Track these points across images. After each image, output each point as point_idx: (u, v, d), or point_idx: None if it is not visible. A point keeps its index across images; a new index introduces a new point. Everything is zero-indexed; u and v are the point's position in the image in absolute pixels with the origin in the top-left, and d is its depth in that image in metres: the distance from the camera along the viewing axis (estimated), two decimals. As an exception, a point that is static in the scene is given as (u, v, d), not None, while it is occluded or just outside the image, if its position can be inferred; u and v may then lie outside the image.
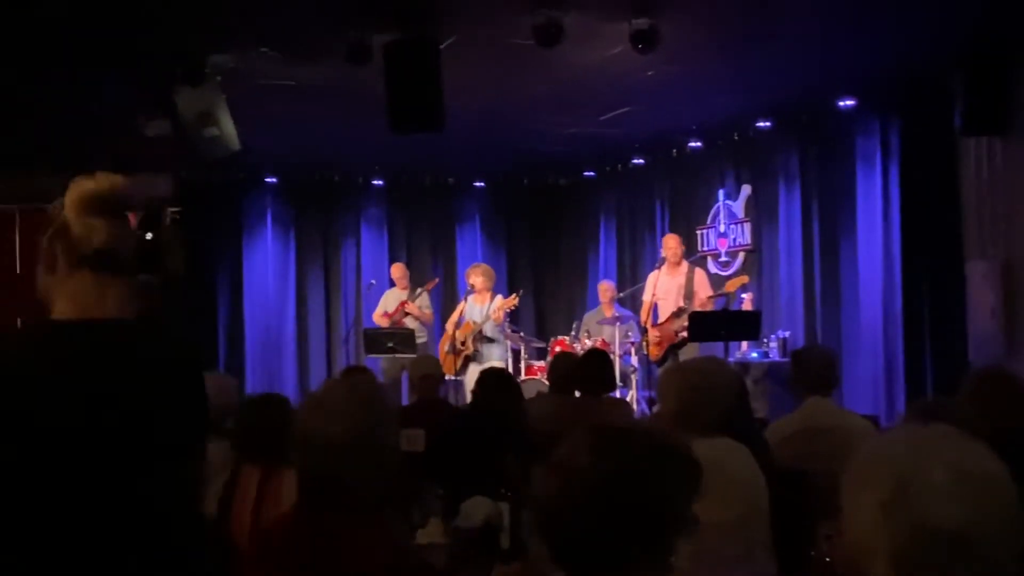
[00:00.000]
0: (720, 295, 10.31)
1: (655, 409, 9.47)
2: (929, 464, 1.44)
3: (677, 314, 10.07)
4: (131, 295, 2.42)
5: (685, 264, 10.58)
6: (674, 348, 9.99)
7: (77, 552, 2.13)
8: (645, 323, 10.52)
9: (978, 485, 1.43)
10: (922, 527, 1.39)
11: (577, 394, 6.43)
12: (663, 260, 10.61)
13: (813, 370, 4.93)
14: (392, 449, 2.55)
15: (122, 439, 2.14)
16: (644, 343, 10.47)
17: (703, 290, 10.32)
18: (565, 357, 7.04)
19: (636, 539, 1.91)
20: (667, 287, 10.45)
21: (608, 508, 1.91)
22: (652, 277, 10.73)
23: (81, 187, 2.41)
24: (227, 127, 8.28)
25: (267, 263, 13.48)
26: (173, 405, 2.23)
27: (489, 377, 6.03)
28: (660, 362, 10.19)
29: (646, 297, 10.67)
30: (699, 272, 10.62)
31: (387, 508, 2.64)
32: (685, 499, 1.97)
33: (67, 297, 2.32)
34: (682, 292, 10.31)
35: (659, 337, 10.23)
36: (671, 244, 10.64)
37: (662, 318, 10.35)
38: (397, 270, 12.19)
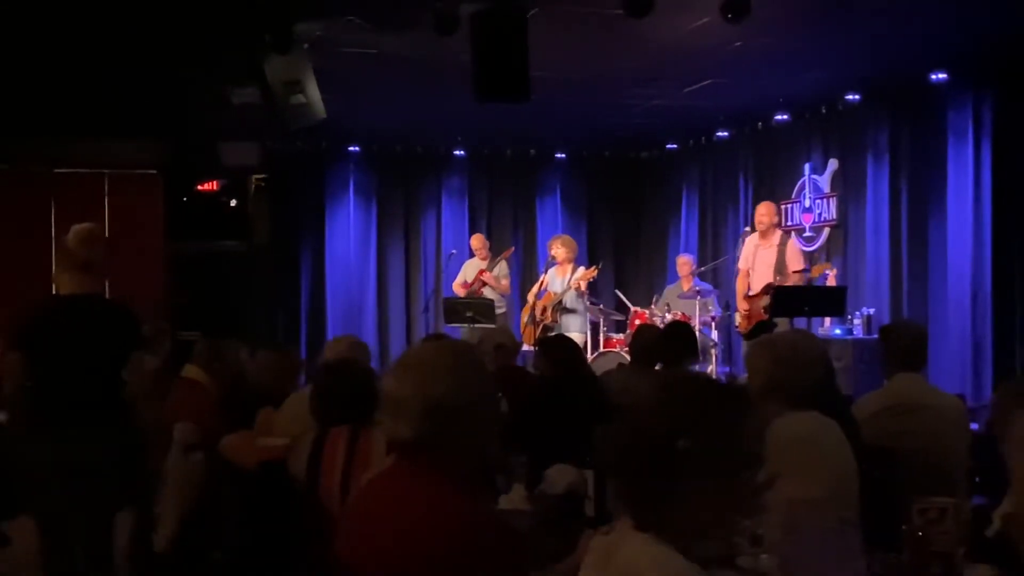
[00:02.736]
0: (804, 270, 10.13)
1: (742, 379, 9.36)
2: None
3: (767, 291, 9.89)
4: (98, 282, 5.05)
5: (778, 234, 10.35)
6: (762, 326, 9.80)
7: (69, 390, 4.77)
8: (740, 293, 10.38)
9: None
10: None
11: (658, 367, 6.41)
12: (747, 232, 10.45)
13: (903, 345, 4.84)
14: (488, 414, 2.52)
15: (91, 343, 4.81)
16: (739, 313, 10.35)
17: (794, 263, 10.11)
18: (648, 329, 7.02)
19: (689, 477, 1.94)
20: (759, 257, 10.26)
21: (665, 445, 1.93)
22: (745, 243, 10.56)
23: (78, 231, 4.94)
24: (313, 95, 8.34)
25: (349, 232, 13.58)
26: (112, 331, 4.88)
27: (551, 346, 6.02)
28: (748, 337, 10.04)
29: (740, 265, 10.52)
30: (791, 243, 10.37)
31: (481, 472, 2.63)
32: (744, 439, 2.00)
33: (68, 283, 4.91)
34: (771, 264, 10.10)
35: (749, 311, 10.10)
36: (764, 212, 10.44)
37: (752, 290, 10.21)
38: (476, 240, 12.22)
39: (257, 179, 13.13)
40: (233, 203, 13.30)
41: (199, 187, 13.19)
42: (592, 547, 2.06)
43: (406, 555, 2.33)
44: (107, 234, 11.53)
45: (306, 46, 8.06)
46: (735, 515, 2.02)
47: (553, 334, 9.16)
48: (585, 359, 6.30)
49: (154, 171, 12.03)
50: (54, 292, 5.09)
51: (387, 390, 2.50)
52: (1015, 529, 1.57)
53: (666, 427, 1.95)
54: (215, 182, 13.25)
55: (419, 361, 2.52)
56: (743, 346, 10.31)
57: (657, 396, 2.03)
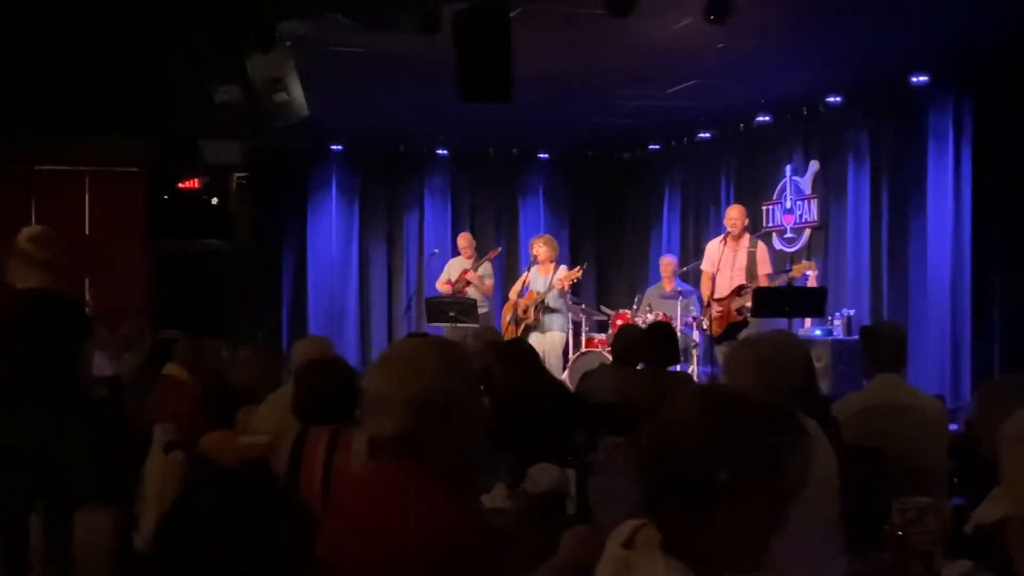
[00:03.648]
0: (781, 276, 10.11)
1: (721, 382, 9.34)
2: None
3: (738, 292, 9.89)
4: (52, 278, 5.23)
5: (747, 237, 10.31)
6: (734, 328, 9.81)
7: (29, 378, 5.06)
8: (706, 296, 10.37)
9: None
10: None
11: (640, 367, 6.41)
12: (729, 232, 10.45)
13: (884, 346, 4.87)
14: (474, 410, 2.50)
15: (47, 330, 5.11)
16: (707, 317, 10.34)
17: (763, 266, 10.09)
18: (630, 329, 7.02)
19: (738, 503, 1.84)
20: (726, 260, 10.22)
21: (707, 476, 1.83)
22: (711, 249, 10.52)
23: (30, 231, 5.35)
24: (296, 93, 8.32)
25: (331, 231, 13.57)
26: (65, 319, 5.21)
27: (511, 353, 5.93)
28: (719, 339, 10.05)
29: (705, 267, 10.52)
30: (762, 247, 10.36)
31: (464, 470, 2.61)
32: (793, 469, 1.87)
33: (24, 280, 5.20)
34: (743, 267, 10.10)
35: (721, 312, 10.09)
36: (732, 215, 10.39)
37: (721, 292, 10.20)
38: (463, 239, 12.20)
39: (239, 177, 13.10)
40: (215, 201, 13.26)
41: (181, 185, 13.15)
42: (610, 557, 2.02)
43: (389, 553, 2.32)
44: (87, 232, 11.51)
45: (289, 44, 8.04)
46: (766, 540, 1.90)
47: (509, 339, 9.06)
48: (542, 364, 6.21)
49: (136, 169, 11.98)
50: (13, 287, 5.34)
51: (370, 386, 2.47)
52: (1011, 532, 1.54)
53: (705, 457, 1.84)
54: (197, 180, 13.21)
55: (403, 356, 2.51)
56: (716, 349, 10.32)
57: (702, 420, 1.90)
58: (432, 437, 2.40)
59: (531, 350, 5.99)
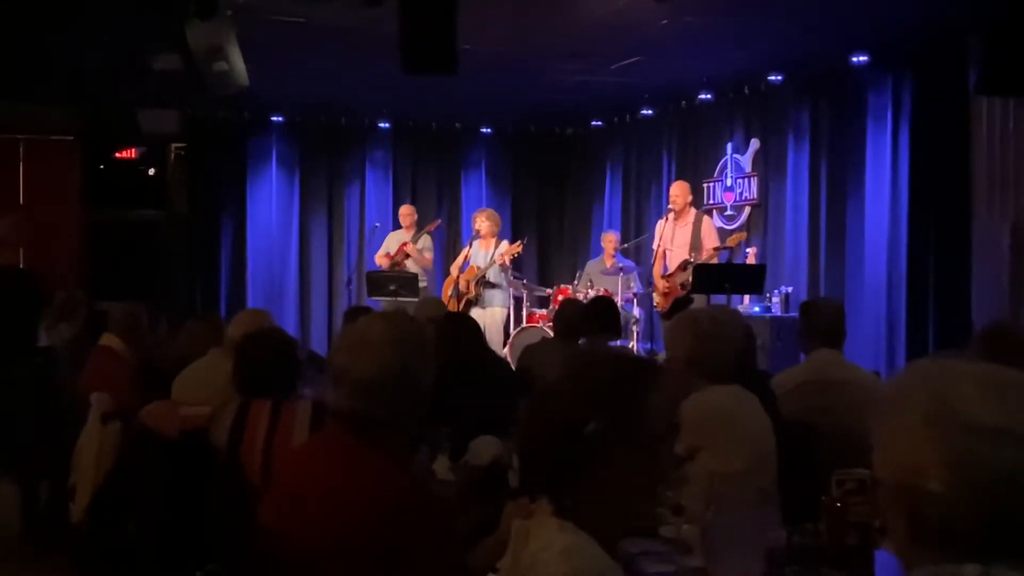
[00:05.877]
0: (722, 249, 10.23)
1: (661, 356, 9.40)
2: (958, 378, 1.55)
3: (683, 267, 9.96)
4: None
5: (692, 212, 10.41)
6: (679, 303, 9.86)
7: None
8: (656, 273, 10.43)
9: (1005, 386, 1.54)
10: (966, 427, 1.49)
11: (581, 342, 6.44)
12: (671, 209, 10.51)
13: (823, 322, 4.92)
14: (425, 387, 2.56)
15: (12, 301, 5.44)
16: (656, 293, 10.39)
17: (710, 240, 10.19)
18: (572, 304, 7.04)
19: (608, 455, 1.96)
20: (675, 236, 10.30)
21: (574, 432, 1.96)
22: (659, 227, 10.63)
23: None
24: (237, 62, 8.20)
25: (271, 203, 13.42)
26: (24, 291, 5.63)
27: (450, 326, 5.91)
28: (666, 315, 10.10)
29: (656, 246, 10.57)
30: (707, 220, 10.44)
31: (412, 444, 2.66)
32: (651, 414, 2.01)
33: None
34: (686, 243, 10.16)
35: (668, 288, 10.15)
36: (673, 192, 10.47)
37: (670, 269, 10.27)
38: (405, 211, 12.15)
39: (177, 147, 12.91)
40: (152, 171, 13.08)
41: (117, 154, 12.95)
42: (513, 531, 2.07)
43: (333, 524, 2.32)
44: (22, 200, 11.32)
45: (230, 12, 7.92)
46: (654, 489, 2.05)
47: (452, 313, 9.03)
48: (484, 340, 6.18)
49: (71, 137, 11.78)
50: None
51: (335, 363, 2.53)
52: (878, 480, 1.61)
53: (573, 413, 1.97)
54: (134, 150, 13.02)
55: (369, 336, 2.55)
56: (662, 324, 10.39)
57: (563, 383, 2.05)
58: (388, 414, 2.44)
59: (475, 325, 5.99)
